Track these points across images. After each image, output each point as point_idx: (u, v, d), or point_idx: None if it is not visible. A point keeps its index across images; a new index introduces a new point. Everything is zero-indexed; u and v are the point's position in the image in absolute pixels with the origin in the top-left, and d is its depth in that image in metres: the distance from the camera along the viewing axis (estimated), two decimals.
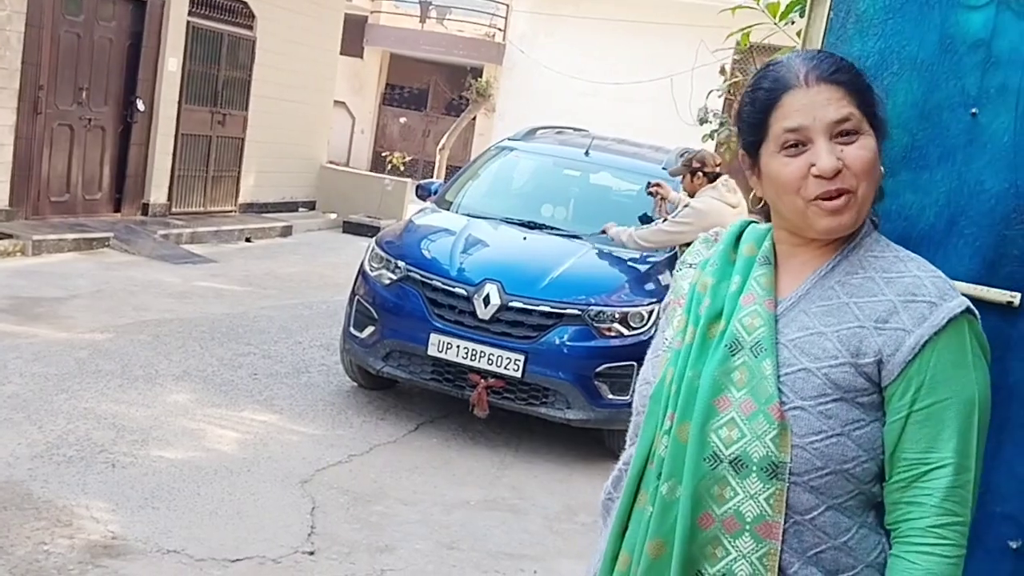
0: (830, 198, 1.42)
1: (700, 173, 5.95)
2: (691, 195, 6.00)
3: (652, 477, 1.48)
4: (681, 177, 6.09)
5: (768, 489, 1.39)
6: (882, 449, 1.41)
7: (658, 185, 6.21)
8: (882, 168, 1.51)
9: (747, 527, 1.39)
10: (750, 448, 1.39)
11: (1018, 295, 1.90)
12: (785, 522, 1.39)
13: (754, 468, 1.39)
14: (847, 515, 1.41)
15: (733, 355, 1.45)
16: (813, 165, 1.42)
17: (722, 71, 9.04)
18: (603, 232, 6.07)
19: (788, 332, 1.44)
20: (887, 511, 1.43)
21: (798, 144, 1.44)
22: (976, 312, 1.43)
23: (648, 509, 1.47)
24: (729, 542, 1.40)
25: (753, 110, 1.49)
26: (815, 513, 1.40)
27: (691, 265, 1.64)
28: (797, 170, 1.44)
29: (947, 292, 1.42)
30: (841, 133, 1.42)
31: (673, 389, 1.48)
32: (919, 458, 1.38)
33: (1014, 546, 1.96)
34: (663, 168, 6.46)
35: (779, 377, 1.41)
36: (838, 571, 1.41)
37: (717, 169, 5.94)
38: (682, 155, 6.16)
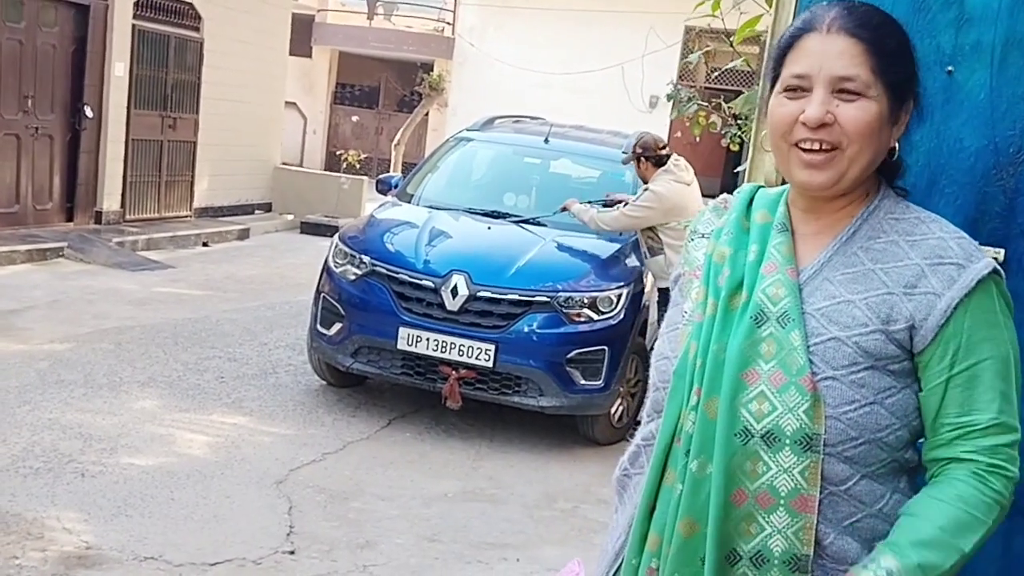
0: (809, 149, 1.40)
1: (644, 158, 5.93)
2: (643, 181, 5.99)
3: (680, 454, 1.44)
4: (633, 164, 6.09)
5: (803, 462, 1.35)
6: (914, 416, 1.39)
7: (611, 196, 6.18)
8: (896, 142, 1.47)
9: (782, 502, 1.36)
10: (782, 421, 1.36)
11: (1002, 251, 1.91)
12: (820, 494, 1.36)
13: (787, 441, 1.36)
14: (880, 482, 1.39)
15: (759, 326, 1.41)
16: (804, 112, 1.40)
17: (685, 45, 9.06)
18: (564, 209, 6.02)
19: (814, 301, 1.41)
20: (928, 470, 1.41)
21: (799, 89, 1.41)
22: (1001, 271, 1.41)
23: (677, 487, 1.43)
24: (763, 518, 1.37)
25: (777, 47, 1.47)
26: (850, 483, 1.37)
27: (703, 235, 1.59)
28: (789, 113, 1.41)
29: (973, 253, 1.40)
30: (843, 90, 1.38)
31: (698, 364, 1.43)
32: (964, 420, 1.36)
33: None
34: (623, 152, 6.46)
35: (808, 347, 1.38)
36: (874, 539, 1.38)
37: (662, 152, 5.91)
38: (635, 141, 6.15)
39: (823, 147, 1.40)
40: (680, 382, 1.47)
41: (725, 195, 1.65)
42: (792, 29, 1.46)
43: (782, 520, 1.36)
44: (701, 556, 1.40)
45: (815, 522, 1.36)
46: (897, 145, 1.48)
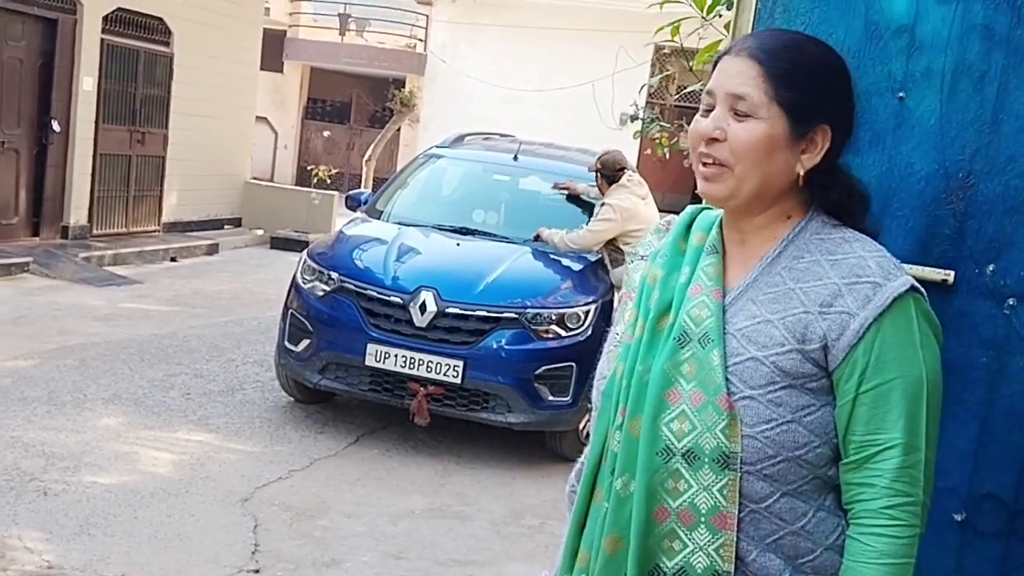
0: (704, 164, 1.45)
1: (601, 175, 6.25)
2: (600, 194, 6.30)
3: (606, 473, 1.48)
4: (596, 176, 6.38)
5: (721, 480, 1.38)
6: (835, 433, 1.41)
7: (565, 186, 6.63)
8: (803, 169, 1.45)
9: (702, 519, 1.39)
10: (701, 440, 1.39)
11: (952, 273, 1.95)
12: (741, 511, 1.39)
13: (706, 460, 1.39)
14: (803, 500, 1.41)
15: (682, 347, 1.44)
16: None
17: (653, 64, 9.17)
18: (536, 238, 6.12)
19: (736, 322, 1.43)
20: (843, 492, 1.43)
21: (711, 108, 1.46)
22: (922, 290, 1.42)
23: (604, 505, 1.47)
24: (685, 535, 1.40)
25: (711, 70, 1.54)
26: (770, 500, 1.39)
27: (643, 257, 1.62)
28: (695, 128, 1.48)
29: (891, 272, 1.40)
30: (737, 110, 1.43)
31: (624, 384, 1.47)
32: (868, 440, 1.38)
33: (959, 519, 2.01)
34: (588, 171, 6.56)
35: (727, 367, 1.40)
36: (797, 556, 1.41)
37: (617, 172, 6.23)
38: (598, 157, 6.41)
39: (714, 162, 1.44)
40: (607, 402, 1.51)
41: (669, 217, 1.68)
42: (718, 54, 1.53)
43: (703, 537, 1.39)
44: (625, 572, 1.43)
45: (735, 539, 1.39)
46: (801, 171, 1.45)
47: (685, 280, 1.49)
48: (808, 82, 1.44)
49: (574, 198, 6.60)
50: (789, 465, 1.39)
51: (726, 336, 1.42)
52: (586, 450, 1.63)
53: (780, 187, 1.46)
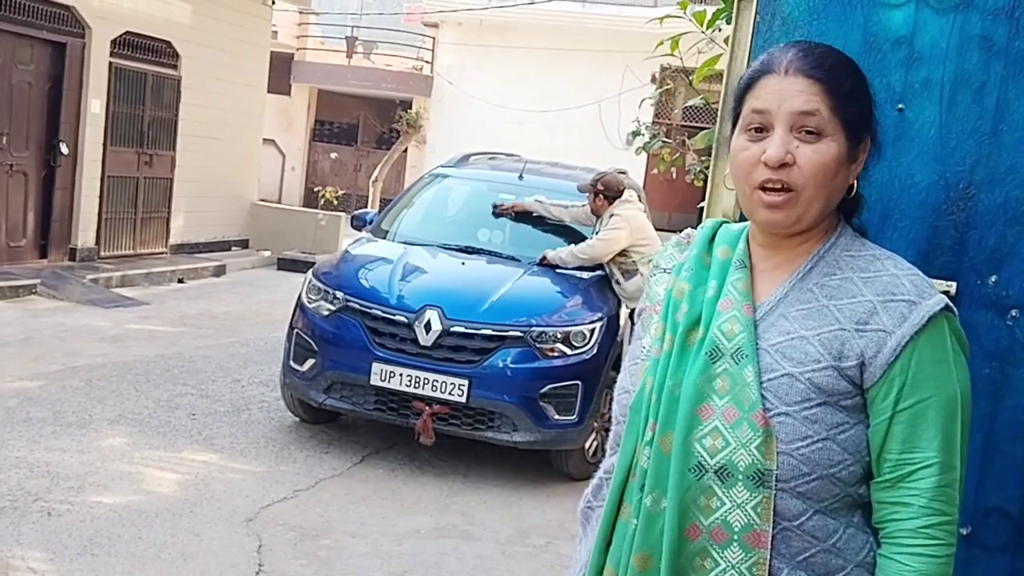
0: (772, 189, 1.41)
1: (603, 195, 6.23)
2: (596, 214, 6.29)
3: (635, 489, 1.45)
4: (589, 196, 6.31)
5: (755, 497, 1.36)
6: (867, 451, 1.39)
7: (508, 208, 6.65)
8: (854, 181, 1.48)
9: (735, 537, 1.37)
10: (735, 456, 1.37)
11: (954, 284, 1.94)
12: (773, 529, 1.37)
13: (740, 477, 1.37)
14: (833, 517, 1.40)
15: (714, 362, 1.42)
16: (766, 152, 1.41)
17: (653, 79, 9.20)
18: (542, 260, 6.11)
19: (769, 337, 1.42)
20: (874, 509, 1.41)
21: (761, 129, 1.42)
22: (954, 309, 1.42)
23: (632, 522, 1.44)
24: (718, 553, 1.38)
25: (737, 87, 1.50)
26: (803, 518, 1.38)
27: (665, 270, 1.59)
28: (751, 155, 1.42)
29: (925, 290, 1.40)
30: (804, 129, 1.40)
31: (653, 399, 1.45)
32: (905, 458, 1.37)
33: (964, 533, 1.98)
34: (580, 191, 6.55)
35: (762, 383, 1.39)
36: (828, 573, 1.39)
37: (620, 193, 6.25)
38: (598, 177, 6.37)
39: (783, 187, 1.41)
40: (636, 417, 1.48)
41: (688, 230, 1.65)
42: (751, 71, 1.48)
43: (736, 555, 1.37)
44: None
45: (768, 557, 1.37)
46: (856, 183, 1.49)
47: (713, 294, 1.47)
48: (860, 97, 1.45)
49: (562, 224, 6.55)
50: (823, 483, 1.38)
51: (759, 352, 1.41)
52: (602, 466, 1.62)
53: (836, 204, 1.46)
